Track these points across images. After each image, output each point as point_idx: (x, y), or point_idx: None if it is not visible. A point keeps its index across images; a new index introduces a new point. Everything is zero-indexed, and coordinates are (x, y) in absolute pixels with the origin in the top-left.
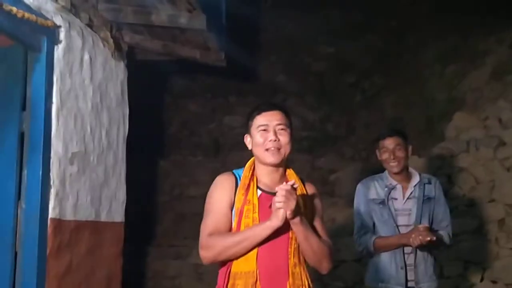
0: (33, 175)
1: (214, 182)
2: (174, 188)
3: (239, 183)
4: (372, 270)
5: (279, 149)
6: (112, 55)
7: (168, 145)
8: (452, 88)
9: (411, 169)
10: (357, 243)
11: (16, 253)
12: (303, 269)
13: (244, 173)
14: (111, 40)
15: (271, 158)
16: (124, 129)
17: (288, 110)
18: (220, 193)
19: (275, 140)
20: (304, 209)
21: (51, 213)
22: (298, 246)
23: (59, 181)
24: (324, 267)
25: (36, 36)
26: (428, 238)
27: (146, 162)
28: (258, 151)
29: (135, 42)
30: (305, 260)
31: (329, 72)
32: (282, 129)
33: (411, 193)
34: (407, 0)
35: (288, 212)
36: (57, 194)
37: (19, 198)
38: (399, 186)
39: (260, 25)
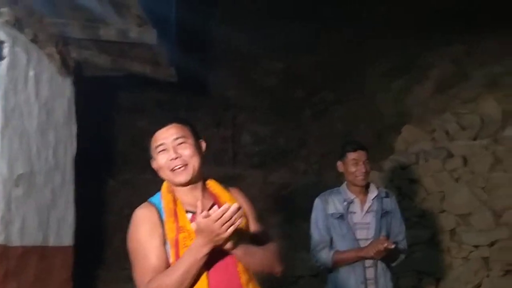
0: None
1: (135, 219)
2: (124, 208)
3: (162, 211)
4: (330, 284)
5: (185, 165)
6: (58, 71)
7: (117, 163)
8: (399, 102)
9: (369, 183)
10: (315, 258)
11: None
12: (255, 283)
13: (164, 198)
14: (57, 56)
15: (179, 177)
16: (72, 148)
17: (186, 120)
18: (147, 232)
19: (177, 158)
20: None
21: None
22: None
23: (4, 205)
24: (276, 271)
25: None
26: (386, 245)
27: (94, 182)
28: (165, 174)
29: (83, 57)
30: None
31: (280, 87)
32: (181, 142)
33: (370, 206)
34: (354, 16)
35: (223, 237)
36: (2, 219)
37: None
38: (357, 200)
39: (211, 39)
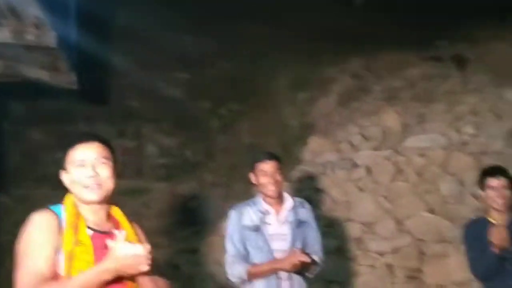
0: None
1: (31, 221)
2: (18, 226)
3: (61, 222)
4: None
5: (100, 185)
6: None
7: (8, 178)
8: (304, 114)
9: (284, 193)
10: (230, 272)
11: None
12: None
13: (69, 210)
14: None
15: (90, 195)
16: None
17: (109, 142)
18: (43, 233)
19: (94, 176)
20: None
21: None
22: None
23: None
24: None
25: None
26: (303, 259)
27: None
28: (76, 189)
29: None
30: None
31: (185, 98)
32: (102, 163)
33: (285, 217)
34: (257, 29)
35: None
36: None
37: None
38: (272, 211)
39: (112, 48)
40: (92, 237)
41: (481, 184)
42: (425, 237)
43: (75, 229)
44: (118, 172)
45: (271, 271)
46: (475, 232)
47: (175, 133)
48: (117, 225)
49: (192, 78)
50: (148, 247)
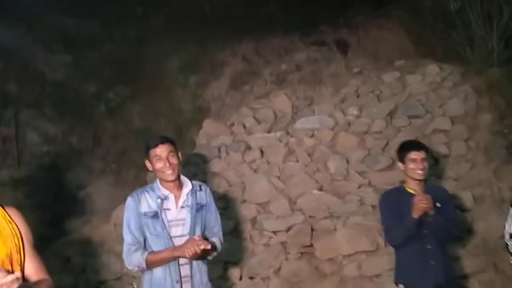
0: None
1: None
2: None
3: None
4: (146, 286)
5: None
6: None
7: None
8: (197, 97)
9: (182, 177)
10: (128, 260)
11: None
12: None
13: None
14: None
15: None
16: None
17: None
18: None
19: None
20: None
21: None
22: None
23: None
24: None
25: None
26: (203, 247)
27: None
28: None
29: None
30: None
31: (68, 81)
32: None
33: (184, 201)
34: (144, 10)
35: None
36: None
37: None
38: (171, 196)
39: None
40: None
41: (401, 157)
42: (315, 214)
43: None
44: None
45: (171, 259)
46: (392, 201)
47: (59, 118)
48: None
49: (75, 61)
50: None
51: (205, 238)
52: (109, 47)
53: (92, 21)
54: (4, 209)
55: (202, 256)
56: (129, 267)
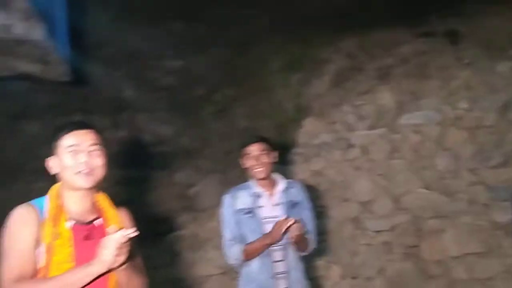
0: None
1: (11, 217)
2: None
3: (42, 215)
4: (243, 280)
5: (92, 171)
6: None
7: (6, 172)
8: (299, 96)
9: (276, 176)
10: (227, 255)
11: None
12: None
13: (51, 202)
14: None
15: (82, 181)
16: None
17: (100, 131)
18: (21, 229)
19: (87, 162)
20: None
21: None
22: (117, 279)
23: None
24: None
25: None
26: (288, 223)
27: None
28: (67, 175)
29: None
30: None
31: (179, 86)
32: (95, 150)
33: (278, 199)
34: (248, 13)
35: (117, 264)
36: None
37: None
38: (265, 194)
39: (103, 38)
40: (73, 229)
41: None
42: (422, 214)
43: (55, 221)
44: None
45: (264, 246)
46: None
47: (170, 121)
48: (101, 213)
49: (184, 65)
50: (126, 233)
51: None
52: (216, 51)
53: (200, 25)
54: (116, 208)
55: (297, 243)
56: (229, 261)
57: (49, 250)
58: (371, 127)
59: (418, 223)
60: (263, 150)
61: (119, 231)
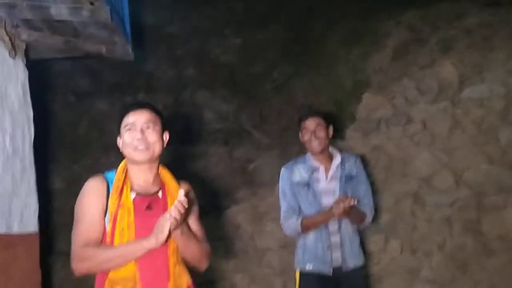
0: None
1: (84, 187)
2: None
3: (111, 186)
4: (300, 252)
5: (147, 147)
6: (9, 55)
7: (78, 148)
8: (358, 71)
9: (332, 150)
10: (285, 226)
11: None
12: (183, 267)
13: (117, 176)
14: (7, 38)
15: (139, 156)
16: (29, 133)
17: (158, 108)
18: (92, 199)
19: (142, 139)
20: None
21: None
22: (177, 246)
23: None
24: (202, 267)
25: None
26: (349, 203)
27: (56, 168)
28: (127, 151)
29: (33, 39)
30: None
31: (238, 63)
32: (149, 127)
33: (334, 173)
34: None
35: (173, 228)
36: None
37: None
38: (321, 167)
39: (165, 18)
40: (135, 200)
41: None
42: (483, 189)
43: (120, 193)
44: (166, 137)
45: (323, 221)
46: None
47: (230, 98)
48: (163, 186)
49: (244, 43)
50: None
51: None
52: (274, 27)
53: (259, 2)
54: (179, 183)
55: (352, 217)
56: (286, 232)
57: (114, 219)
58: (433, 101)
59: (479, 198)
60: (319, 125)
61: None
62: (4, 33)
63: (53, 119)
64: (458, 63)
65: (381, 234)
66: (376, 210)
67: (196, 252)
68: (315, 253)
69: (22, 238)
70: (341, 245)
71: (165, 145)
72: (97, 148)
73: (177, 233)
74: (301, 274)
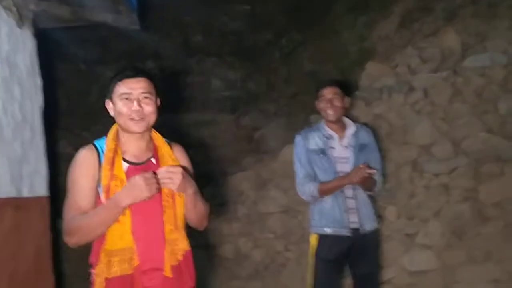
0: None
1: (74, 158)
2: None
3: (102, 157)
4: (317, 216)
5: (143, 118)
6: (17, 25)
7: (89, 116)
8: (363, 39)
9: (346, 119)
10: (301, 191)
11: None
12: (181, 234)
13: (107, 145)
14: (14, 9)
15: (135, 127)
16: (38, 101)
17: (153, 76)
18: (82, 170)
19: (139, 110)
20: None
21: None
22: (173, 213)
23: None
24: (203, 225)
25: None
26: (368, 171)
27: (66, 135)
28: (121, 120)
29: (41, 9)
30: (183, 225)
31: (246, 30)
32: (146, 97)
33: (348, 141)
34: None
35: (174, 188)
36: None
37: None
38: (336, 136)
39: None
40: (127, 171)
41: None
42: (481, 157)
43: (111, 164)
44: (158, 104)
45: (340, 187)
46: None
47: (238, 66)
48: (155, 150)
49: (252, 10)
50: (174, 169)
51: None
52: None
53: None
54: (171, 147)
55: (366, 184)
56: (303, 197)
57: (107, 191)
58: (434, 70)
59: (477, 167)
60: (336, 94)
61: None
62: (11, 3)
63: (64, 87)
64: (462, 31)
65: (380, 201)
66: (384, 178)
67: (201, 210)
68: (333, 217)
69: (33, 200)
70: (357, 209)
71: (158, 112)
72: (107, 115)
73: (190, 192)
74: (319, 237)
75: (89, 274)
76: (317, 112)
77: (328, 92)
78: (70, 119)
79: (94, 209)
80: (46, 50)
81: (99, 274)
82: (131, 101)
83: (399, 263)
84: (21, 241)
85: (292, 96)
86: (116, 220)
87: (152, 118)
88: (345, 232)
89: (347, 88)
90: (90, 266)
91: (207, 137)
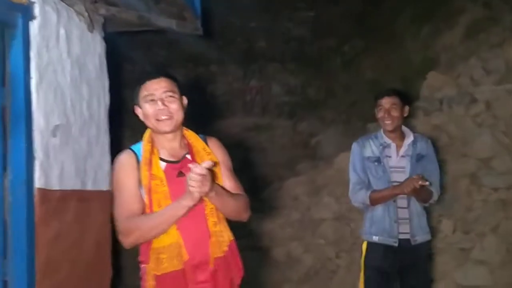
0: (17, 147)
1: (115, 164)
2: None
3: (140, 159)
4: (367, 224)
5: (170, 117)
6: (88, 29)
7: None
8: (427, 48)
9: (404, 129)
10: (353, 198)
11: (5, 221)
12: (224, 226)
13: (143, 147)
14: (86, 14)
15: (164, 126)
16: (105, 101)
17: (174, 76)
18: (125, 174)
19: (164, 109)
20: (215, 177)
21: (36, 183)
22: (215, 206)
23: (43, 153)
24: (244, 218)
25: (11, 13)
26: (420, 182)
27: (130, 134)
28: (150, 122)
29: (110, 14)
30: (224, 217)
31: (309, 37)
32: (170, 96)
33: (405, 151)
34: None
35: (203, 194)
36: (41, 165)
37: (4, 169)
38: (393, 145)
39: None
40: (165, 170)
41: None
42: None
43: (149, 165)
44: (184, 102)
45: (391, 196)
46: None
47: (298, 72)
48: (190, 148)
49: (316, 16)
50: (207, 164)
51: (424, 179)
52: (347, 2)
53: None
54: (206, 141)
55: (420, 195)
56: (355, 204)
57: (148, 191)
58: (498, 82)
59: None
60: (394, 104)
61: (199, 165)
62: (83, 8)
63: (131, 88)
64: None
65: (436, 213)
66: (442, 190)
67: (234, 207)
68: (383, 226)
69: (96, 193)
70: (410, 219)
71: (185, 110)
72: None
73: (212, 196)
74: (368, 244)
75: (140, 270)
76: (375, 120)
77: (386, 102)
78: (135, 119)
79: (155, 213)
80: (114, 52)
81: (149, 271)
82: (156, 101)
83: (451, 277)
84: (83, 231)
85: (351, 103)
86: (175, 221)
87: (179, 116)
88: (393, 242)
89: (406, 98)
90: (141, 263)
91: (264, 141)
